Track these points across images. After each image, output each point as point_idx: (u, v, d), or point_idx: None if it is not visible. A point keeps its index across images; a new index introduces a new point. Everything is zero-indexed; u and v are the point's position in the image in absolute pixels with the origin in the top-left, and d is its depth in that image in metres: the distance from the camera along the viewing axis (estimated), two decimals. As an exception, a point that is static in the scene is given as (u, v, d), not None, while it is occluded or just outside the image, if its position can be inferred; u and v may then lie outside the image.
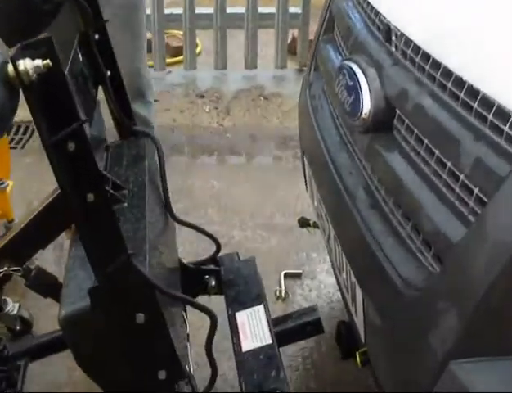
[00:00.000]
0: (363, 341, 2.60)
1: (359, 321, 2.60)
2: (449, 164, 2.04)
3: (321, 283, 4.42)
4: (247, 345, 2.99)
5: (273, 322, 3.11)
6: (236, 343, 3.01)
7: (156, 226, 2.75)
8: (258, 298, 3.25)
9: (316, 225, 3.58)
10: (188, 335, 3.17)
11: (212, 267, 3.47)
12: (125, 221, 2.59)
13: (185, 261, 3.57)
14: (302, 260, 4.68)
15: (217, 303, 3.28)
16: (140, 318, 2.28)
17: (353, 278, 2.56)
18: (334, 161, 2.85)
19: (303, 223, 3.73)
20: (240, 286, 3.36)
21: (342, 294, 2.80)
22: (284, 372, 2.83)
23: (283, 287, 4.36)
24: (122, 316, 2.28)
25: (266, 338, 2.99)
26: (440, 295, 1.96)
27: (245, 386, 2.76)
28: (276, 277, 4.49)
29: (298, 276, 4.52)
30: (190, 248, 4.47)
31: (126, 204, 2.70)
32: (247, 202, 5.27)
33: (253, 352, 2.91)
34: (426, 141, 2.19)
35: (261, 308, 3.19)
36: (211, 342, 2.63)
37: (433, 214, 2.07)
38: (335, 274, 2.94)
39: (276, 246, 4.84)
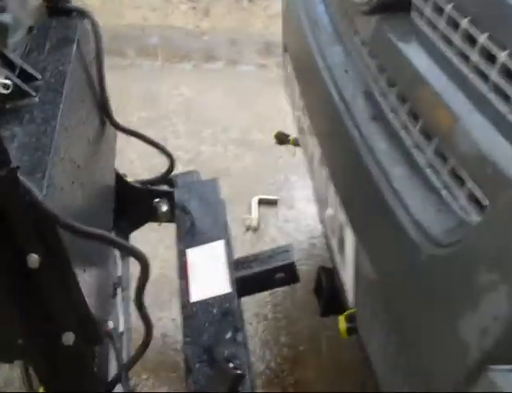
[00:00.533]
0: (350, 301, 1.89)
1: (347, 274, 1.90)
2: (502, 56, 1.30)
3: (300, 213, 3.83)
4: (197, 293, 2.30)
5: (235, 265, 2.41)
6: (183, 290, 2.31)
7: (76, 132, 1.99)
8: (218, 231, 2.60)
9: (296, 142, 2.84)
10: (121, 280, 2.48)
11: (164, 188, 2.93)
12: (30, 121, 1.85)
13: (130, 180, 2.82)
14: (279, 184, 4.14)
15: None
16: (33, 260, 1.58)
17: (343, 217, 1.83)
18: (324, 57, 2.09)
19: (281, 139, 2.99)
20: (197, 214, 2.65)
21: (325, 234, 2.10)
22: (243, 334, 2.14)
23: (255, 216, 3.80)
24: (7, 257, 1.57)
25: (223, 286, 2.32)
26: (479, 256, 1.24)
27: (189, 352, 2.06)
28: (248, 204, 3.82)
29: (273, 203, 3.97)
30: (148, 165, 3.75)
31: (37, 99, 1.94)
32: (220, 114, 4.78)
33: (205, 304, 2.28)
34: (465, 21, 1.44)
35: (221, 244, 2.51)
36: (141, 292, 1.91)
37: (472, 130, 1.34)
38: (318, 207, 2.20)
39: (250, 166, 4.36)
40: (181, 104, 4.85)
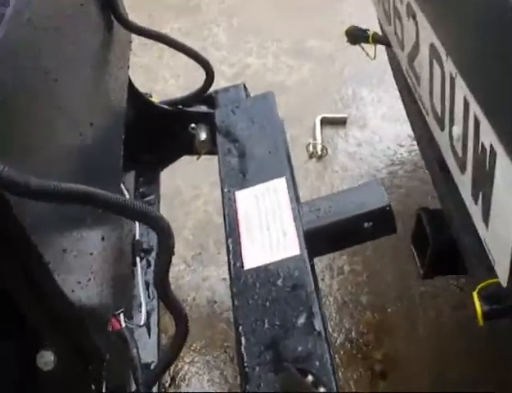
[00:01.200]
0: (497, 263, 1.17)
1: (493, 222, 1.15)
2: None
3: (375, 134, 2.99)
4: (253, 256, 1.67)
5: (304, 212, 1.75)
6: (233, 252, 1.68)
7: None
8: (276, 164, 1.93)
9: (378, 38, 2.07)
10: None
11: (201, 109, 2.27)
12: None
13: (156, 100, 2.11)
14: (347, 100, 3.42)
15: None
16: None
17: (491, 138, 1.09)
18: None
19: (355, 35, 2.20)
20: (246, 142, 2.03)
21: (426, 157, 1.35)
22: (322, 318, 1.42)
23: (319, 139, 3.13)
24: None
25: (289, 244, 1.66)
26: None
27: (244, 349, 1.37)
28: (310, 125, 3.24)
29: (341, 123, 3.26)
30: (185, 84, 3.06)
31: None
32: (268, 22, 4.05)
33: (265, 272, 1.61)
34: None
35: (282, 183, 1.85)
36: (164, 275, 1.21)
37: None
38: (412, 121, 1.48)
39: (308, 79, 3.63)
40: (223, 11, 4.19)
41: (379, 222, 1.69)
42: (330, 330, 2.32)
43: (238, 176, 1.89)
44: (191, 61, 2.13)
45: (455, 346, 2.25)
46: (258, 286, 1.56)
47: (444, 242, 1.79)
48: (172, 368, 2.22)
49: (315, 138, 3.05)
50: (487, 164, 1.18)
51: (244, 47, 3.80)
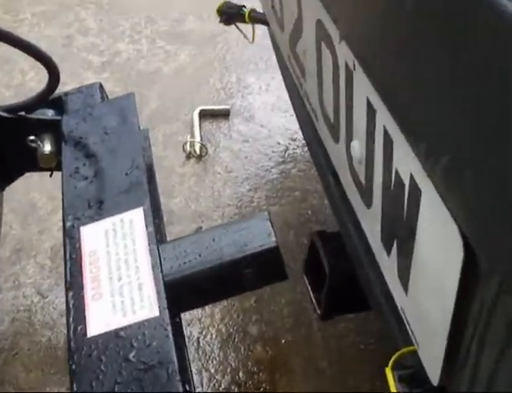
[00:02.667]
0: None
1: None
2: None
3: (263, 128, 2.55)
4: (100, 320, 1.28)
5: (166, 254, 1.37)
6: (75, 312, 1.30)
7: None
8: (134, 188, 1.52)
9: (256, 16, 1.69)
10: None
11: (47, 115, 1.85)
12: None
13: None
14: (230, 89, 3.02)
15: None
16: None
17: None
18: None
19: (229, 14, 1.81)
20: (99, 159, 1.64)
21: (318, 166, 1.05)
22: None
23: (197, 137, 2.71)
24: None
25: (146, 302, 1.28)
26: None
27: None
28: (187, 119, 2.82)
29: (223, 115, 2.85)
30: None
31: None
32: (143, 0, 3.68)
33: (114, 342, 1.22)
34: None
35: (138, 214, 1.45)
36: None
37: None
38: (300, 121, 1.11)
39: (187, 67, 3.20)
40: (90, -11, 3.73)
41: (263, 268, 1.29)
42: (213, 371, 1.93)
43: (85, 205, 1.48)
44: (57, 50, 1.70)
45: (360, 381, 1.91)
46: (105, 362, 1.16)
47: (344, 276, 1.42)
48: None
49: (193, 136, 2.64)
50: (406, 202, 0.81)
51: (114, 32, 3.37)
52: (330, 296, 1.48)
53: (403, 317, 0.92)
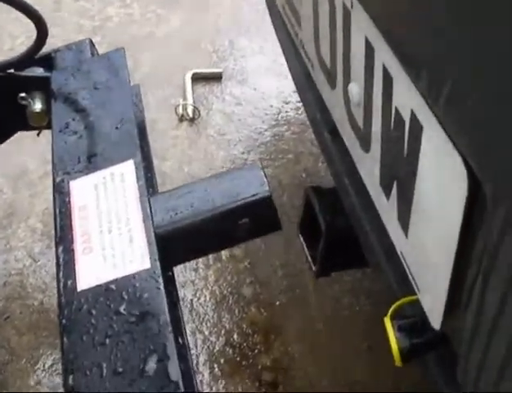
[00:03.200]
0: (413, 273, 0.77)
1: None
2: None
3: (256, 90, 2.54)
4: (90, 273, 1.24)
5: (158, 207, 1.33)
6: (65, 266, 1.26)
7: None
8: (124, 141, 1.48)
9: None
10: None
11: (36, 72, 1.80)
12: None
13: None
14: (223, 52, 2.97)
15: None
16: None
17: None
18: None
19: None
20: (89, 114, 1.58)
21: (313, 121, 1.11)
22: (187, 365, 1.09)
23: (190, 99, 2.68)
24: None
25: (137, 254, 1.24)
26: None
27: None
28: (179, 83, 2.78)
29: (216, 78, 2.80)
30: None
31: None
32: None
33: (104, 295, 1.19)
34: None
35: (129, 168, 1.41)
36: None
37: None
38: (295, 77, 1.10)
39: (178, 30, 3.14)
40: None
41: (257, 217, 1.27)
42: (207, 333, 1.91)
43: (75, 160, 1.44)
44: (47, 14, 1.67)
45: (357, 342, 1.89)
46: (95, 316, 1.13)
47: (340, 232, 1.40)
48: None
49: (185, 99, 2.61)
50: (406, 141, 0.78)
51: (103, -6, 3.32)
52: (325, 253, 1.45)
53: (403, 262, 0.89)
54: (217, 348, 1.88)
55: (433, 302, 0.81)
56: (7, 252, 2.13)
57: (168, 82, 2.70)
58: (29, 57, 1.75)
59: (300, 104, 2.54)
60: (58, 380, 1.85)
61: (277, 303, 1.99)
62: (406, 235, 0.85)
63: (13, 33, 3.03)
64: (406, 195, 0.82)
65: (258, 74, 2.77)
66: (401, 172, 0.82)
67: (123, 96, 1.60)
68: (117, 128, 1.50)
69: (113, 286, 1.17)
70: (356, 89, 0.93)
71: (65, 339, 1.14)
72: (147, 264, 1.19)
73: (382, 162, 0.89)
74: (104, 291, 1.17)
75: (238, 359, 1.87)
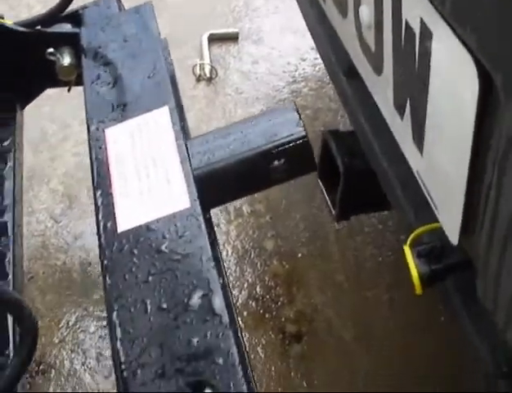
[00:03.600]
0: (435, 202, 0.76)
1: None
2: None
3: (272, 49, 2.49)
4: (129, 215, 1.25)
5: (194, 151, 1.34)
6: (104, 209, 1.29)
7: None
8: (157, 89, 1.50)
9: None
10: None
11: (65, 28, 1.82)
12: None
13: (9, 21, 1.81)
14: (238, 12, 2.94)
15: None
16: None
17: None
18: None
19: None
20: (120, 65, 1.60)
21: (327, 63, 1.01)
22: (227, 300, 1.11)
23: (207, 59, 2.66)
24: None
25: (176, 195, 1.25)
26: None
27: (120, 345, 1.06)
28: (196, 44, 2.77)
29: (233, 39, 2.79)
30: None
31: None
32: None
33: (145, 235, 1.21)
34: None
35: (164, 114, 1.42)
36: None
37: None
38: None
39: None
40: None
41: (293, 158, 1.27)
42: (230, 286, 1.92)
43: (108, 109, 1.47)
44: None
45: (379, 294, 1.89)
46: (137, 255, 1.16)
47: (359, 173, 1.39)
48: (38, 351, 1.80)
49: (202, 58, 2.60)
50: (417, 53, 0.77)
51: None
52: (344, 195, 1.45)
53: (420, 182, 0.88)
54: (240, 301, 1.89)
55: (450, 217, 0.80)
56: (29, 215, 2.15)
57: (184, 43, 2.69)
58: (57, 14, 1.77)
59: (317, 61, 2.53)
60: (82, 336, 1.87)
61: (299, 255, 1.99)
62: (422, 153, 0.84)
63: (29, 3, 3.04)
64: (420, 110, 0.81)
65: (274, 33, 2.76)
66: (413, 87, 0.81)
67: (154, 47, 1.62)
68: (149, 77, 1.52)
69: (153, 226, 1.20)
70: (366, 11, 0.92)
71: (107, 279, 1.16)
72: (187, 204, 1.21)
73: (395, 82, 0.88)
74: (145, 231, 1.20)
75: (261, 311, 1.87)
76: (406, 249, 1.00)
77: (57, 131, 2.42)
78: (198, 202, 1.21)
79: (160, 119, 1.40)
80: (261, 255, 1.99)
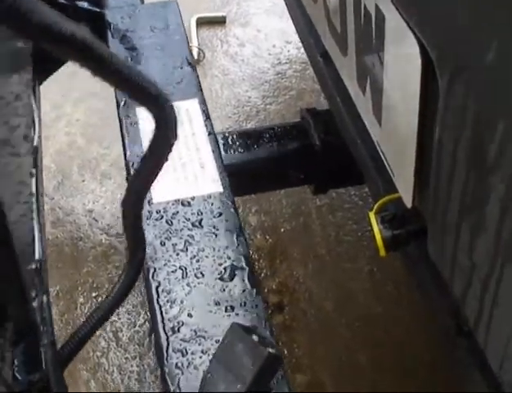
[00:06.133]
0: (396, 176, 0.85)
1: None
2: None
3: (258, 32, 2.59)
4: (165, 190, 1.32)
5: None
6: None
7: None
8: (186, 81, 1.57)
9: None
10: None
11: (84, 5, 1.82)
12: None
13: None
14: (225, -4, 2.98)
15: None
16: None
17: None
18: None
19: None
20: (147, 52, 1.65)
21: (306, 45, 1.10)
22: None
23: (195, 42, 2.76)
24: None
25: (209, 179, 1.33)
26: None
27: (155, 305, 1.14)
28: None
29: (219, 22, 2.86)
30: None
31: None
32: None
33: (181, 208, 1.29)
34: None
35: (194, 105, 1.50)
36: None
37: None
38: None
39: None
40: None
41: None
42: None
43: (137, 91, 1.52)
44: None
45: (359, 266, 1.98)
46: (175, 226, 1.24)
47: (335, 149, 1.47)
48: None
49: (190, 41, 2.67)
50: (374, 34, 0.86)
51: None
52: (321, 171, 1.53)
53: (380, 151, 0.97)
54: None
55: (404, 182, 0.89)
56: (22, 192, 2.21)
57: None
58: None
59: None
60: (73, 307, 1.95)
61: (282, 230, 2.07)
62: (380, 124, 0.92)
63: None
64: (377, 85, 0.89)
65: (260, 16, 2.82)
66: (372, 65, 0.90)
67: (181, 41, 1.69)
68: (177, 69, 1.57)
69: (189, 202, 1.27)
70: (333, -4, 1.01)
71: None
72: (220, 188, 1.29)
73: (357, 61, 0.97)
74: (181, 206, 1.27)
75: (245, 282, 1.96)
76: (371, 215, 1.08)
77: (49, 111, 2.49)
78: (229, 189, 1.30)
79: (191, 110, 1.47)
80: (245, 230, 2.07)
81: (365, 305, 1.92)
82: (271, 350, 0.96)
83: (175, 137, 0.75)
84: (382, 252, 1.07)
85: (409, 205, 0.89)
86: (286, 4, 1.74)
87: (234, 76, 2.54)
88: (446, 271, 0.83)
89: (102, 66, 0.65)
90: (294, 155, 1.55)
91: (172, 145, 0.77)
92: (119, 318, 1.89)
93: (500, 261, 0.65)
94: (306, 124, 1.57)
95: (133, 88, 0.72)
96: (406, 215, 1.05)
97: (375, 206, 1.10)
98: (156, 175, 0.82)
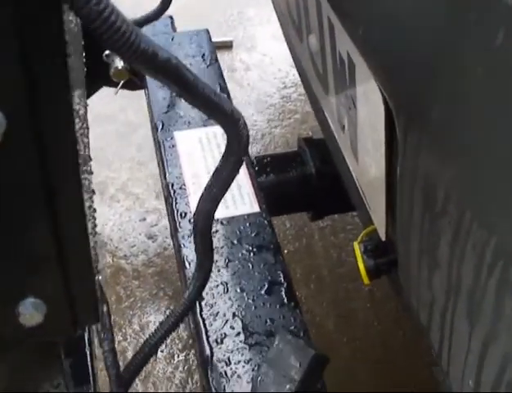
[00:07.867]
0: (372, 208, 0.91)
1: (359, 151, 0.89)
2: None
3: (264, 56, 2.63)
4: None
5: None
6: (179, 200, 1.43)
7: None
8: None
9: None
10: None
11: None
12: None
13: None
14: (232, 21, 3.10)
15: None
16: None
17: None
18: None
19: None
20: None
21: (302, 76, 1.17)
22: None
23: None
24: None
25: (246, 199, 1.42)
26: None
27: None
28: None
29: (227, 47, 2.96)
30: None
31: None
32: None
33: (224, 229, 1.37)
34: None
35: None
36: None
37: None
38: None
39: (190, 3, 3.18)
40: None
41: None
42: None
43: (176, 115, 1.62)
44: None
45: (360, 286, 2.02)
46: (214, 243, 1.31)
47: (329, 177, 1.53)
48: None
49: (198, 66, 2.74)
50: (348, 78, 0.92)
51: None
52: (317, 198, 1.59)
53: (358, 186, 1.02)
54: (229, 294, 2.03)
55: (378, 216, 0.94)
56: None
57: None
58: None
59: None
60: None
61: (285, 251, 2.13)
62: (357, 161, 0.98)
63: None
64: (353, 125, 0.95)
65: (266, 41, 2.89)
66: (347, 106, 0.96)
67: (215, 69, 1.79)
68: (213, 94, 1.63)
69: (227, 222, 1.35)
70: (313, 40, 1.06)
71: (185, 262, 1.30)
72: (257, 208, 1.37)
73: (336, 100, 1.02)
74: (219, 224, 1.35)
75: (249, 303, 2.01)
76: (355, 245, 1.14)
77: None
78: (266, 209, 1.38)
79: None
80: (249, 252, 2.13)
81: (364, 324, 1.96)
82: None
83: (245, 153, 0.79)
84: (366, 280, 1.13)
85: (383, 237, 0.95)
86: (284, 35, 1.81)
87: (240, 100, 2.60)
88: (414, 300, 0.88)
89: (187, 87, 0.70)
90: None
91: (242, 161, 0.81)
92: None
93: (452, 298, 0.71)
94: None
95: (209, 104, 0.76)
96: (389, 244, 1.10)
97: (360, 236, 1.15)
98: (226, 190, 0.86)
